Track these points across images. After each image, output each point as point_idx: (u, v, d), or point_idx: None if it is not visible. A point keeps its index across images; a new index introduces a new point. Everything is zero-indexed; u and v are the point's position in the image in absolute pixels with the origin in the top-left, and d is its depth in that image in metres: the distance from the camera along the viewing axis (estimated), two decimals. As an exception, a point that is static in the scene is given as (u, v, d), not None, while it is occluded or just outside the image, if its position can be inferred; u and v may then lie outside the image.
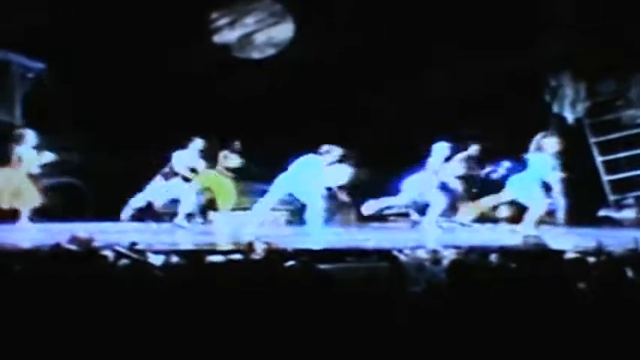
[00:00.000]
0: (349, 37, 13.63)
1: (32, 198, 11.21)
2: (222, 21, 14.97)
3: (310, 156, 11.02)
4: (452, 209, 12.58)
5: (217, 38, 14.91)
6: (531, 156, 10.69)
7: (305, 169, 10.98)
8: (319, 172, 11.10)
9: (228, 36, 14.98)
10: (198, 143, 11.87)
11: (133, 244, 6.36)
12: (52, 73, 13.63)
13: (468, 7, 13.23)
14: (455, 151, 12.28)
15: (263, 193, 12.64)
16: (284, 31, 14.88)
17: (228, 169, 12.71)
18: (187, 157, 11.84)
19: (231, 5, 14.97)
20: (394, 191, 12.09)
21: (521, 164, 11.13)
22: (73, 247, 6.05)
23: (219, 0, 14.88)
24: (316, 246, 9.28)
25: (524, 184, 10.72)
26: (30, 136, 11.31)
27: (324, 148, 10.97)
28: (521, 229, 10.16)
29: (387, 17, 13.68)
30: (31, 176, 11.27)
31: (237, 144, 12.72)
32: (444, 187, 12.06)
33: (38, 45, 13.10)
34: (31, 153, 11.22)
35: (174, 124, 12.13)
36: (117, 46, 13.40)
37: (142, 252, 6.18)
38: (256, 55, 14.96)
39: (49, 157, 11.35)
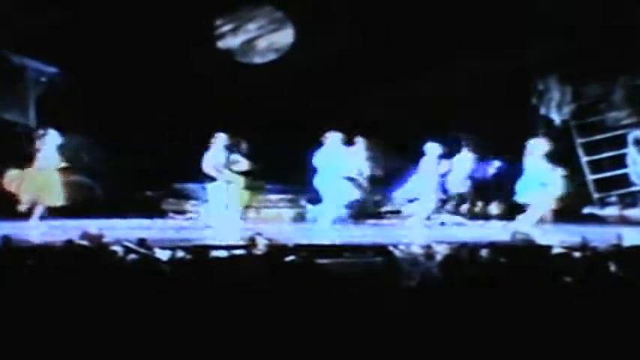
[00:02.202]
0: (347, 41, 13.64)
1: (54, 197, 11.15)
2: (226, 27, 14.97)
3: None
4: (459, 207, 12.62)
5: (221, 44, 14.90)
6: (526, 160, 10.87)
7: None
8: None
9: (231, 42, 14.97)
10: (222, 139, 11.66)
11: (142, 240, 6.38)
12: (65, 77, 13.62)
13: (458, 10, 13.22)
14: (447, 150, 12.29)
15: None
16: (285, 36, 14.88)
17: (235, 171, 12.34)
18: (213, 156, 11.63)
19: (234, 12, 14.97)
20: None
21: (516, 168, 11.25)
22: (84, 242, 6.06)
23: (223, 7, 14.87)
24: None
25: (527, 187, 10.97)
26: (52, 137, 11.27)
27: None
28: (518, 225, 10.26)
29: (382, 22, 13.68)
30: (55, 175, 11.19)
31: (243, 146, 12.39)
32: (444, 186, 12.12)
33: (51, 50, 13.11)
34: (51, 153, 11.18)
35: (183, 124, 12.09)
36: (125, 50, 13.40)
37: (149, 247, 6.20)
38: (258, 59, 14.96)
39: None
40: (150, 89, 13.36)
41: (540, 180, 11.01)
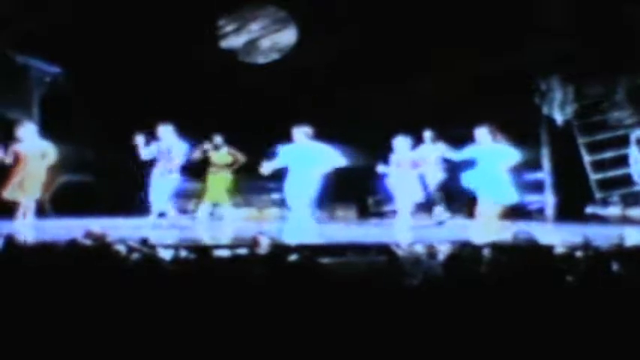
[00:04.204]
0: (349, 40, 13.66)
1: (30, 193, 10.78)
2: (229, 27, 14.99)
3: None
4: (431, 206, 12.48)
5: (224, 43, 14.92)
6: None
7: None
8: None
9: (234, 41, 14.99)
10: (167, 129, 11.42)
11: (144, 239, 6.38)
12: (68, 76, 13.65)
13: (460, 10, 13.22)
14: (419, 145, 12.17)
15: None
16: (288, 36, 14.89)
17: (213, 164, 12.42)
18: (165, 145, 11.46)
19: (237, 12, 14.98)
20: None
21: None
22: (87, 241, 6.06)
23: (227, 7, 14.89)
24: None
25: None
26: (30, 132, 10.96)
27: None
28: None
29: (385, 21, 13.68)
30: (36, 171, 10.84)
31: (218, 139, 12.34)
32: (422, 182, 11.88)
33: (54, 49, 13.13)
34: (33, 148, 10.84)
35: (185, 122, 12.08)
36: (128, 50, 13.43)
37: (152, 246, 6.20)
38: (261, 59, 14.98)
39: (51, 150, 10.93)
40: (153, 88, 13.38)
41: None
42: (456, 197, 12.17)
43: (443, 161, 12.05)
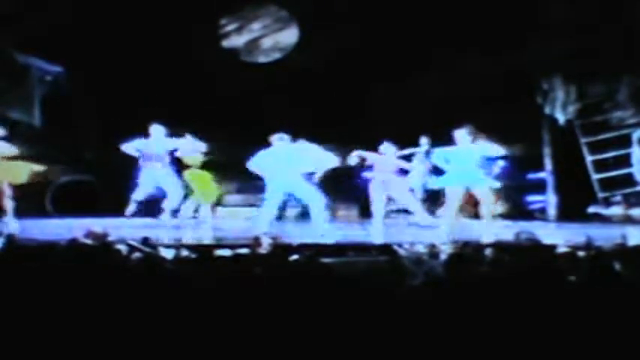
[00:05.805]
0: (350, 39, 13.66)
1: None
2: (230, 27, 15.00)
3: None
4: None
5: (226, 43, 14.92)
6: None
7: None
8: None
9: (235, 41, 15.00)
10: (158, 129, 11.38)
11: (146, 238, 6.39)
12: (69, 75, 13.67)
13: (461, 9, 13.23)
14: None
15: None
16: (289, 36, 14.89)
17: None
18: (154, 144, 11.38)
19: (238, 11, 14.98)
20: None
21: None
22: (88, 241, 6.07)
23: (228, 6, 14.90)
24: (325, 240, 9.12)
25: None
26: None
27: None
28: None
29: (386, 21, 13.69)
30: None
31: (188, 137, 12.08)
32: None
33: (56, 49, 13.15)
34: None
35: (185, 122, 12.11)
36: (129, 49, 13.44)
37: (154, 246, 6.20)
38: (262, 59, 14.99)
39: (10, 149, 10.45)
40: (153, 88, 13.39)
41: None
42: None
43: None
